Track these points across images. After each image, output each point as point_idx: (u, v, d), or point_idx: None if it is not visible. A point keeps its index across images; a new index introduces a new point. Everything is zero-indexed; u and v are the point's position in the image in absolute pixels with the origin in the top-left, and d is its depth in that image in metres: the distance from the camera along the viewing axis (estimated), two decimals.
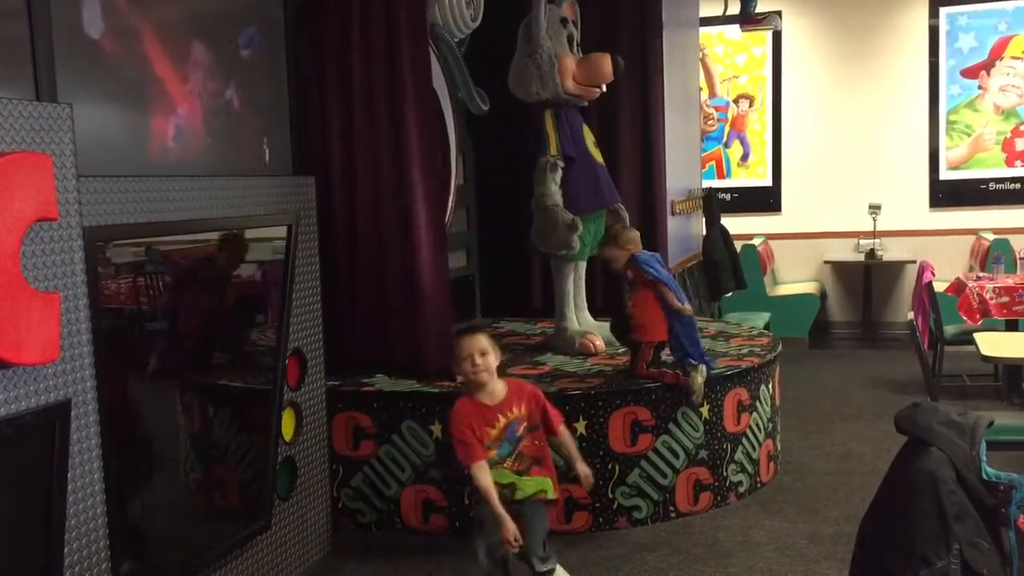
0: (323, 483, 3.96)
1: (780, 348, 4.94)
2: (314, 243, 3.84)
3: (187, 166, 3.41)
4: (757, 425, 4.55)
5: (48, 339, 2.37)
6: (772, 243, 9.05)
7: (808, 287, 8.77)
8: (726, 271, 7.16)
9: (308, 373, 3.79)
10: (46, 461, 2.43)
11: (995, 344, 4.10)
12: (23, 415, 2.33)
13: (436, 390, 4.17)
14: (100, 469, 2.60)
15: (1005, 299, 6.00)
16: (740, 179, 9.33)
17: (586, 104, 5.16)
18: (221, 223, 3.23)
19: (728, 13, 7.36)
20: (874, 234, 8.52)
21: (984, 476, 2.01)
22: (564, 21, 5.05)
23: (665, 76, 6.14)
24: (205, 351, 3.46)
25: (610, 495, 4.11)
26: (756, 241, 8.57)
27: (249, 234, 3.59)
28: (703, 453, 4.27)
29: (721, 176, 9.31)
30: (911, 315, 6.05)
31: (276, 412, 3.55)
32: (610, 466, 4.09)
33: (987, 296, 6.03)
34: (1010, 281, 6.17)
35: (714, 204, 7.40)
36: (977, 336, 4.26)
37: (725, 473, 4.37)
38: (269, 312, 3.64)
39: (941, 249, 8.48)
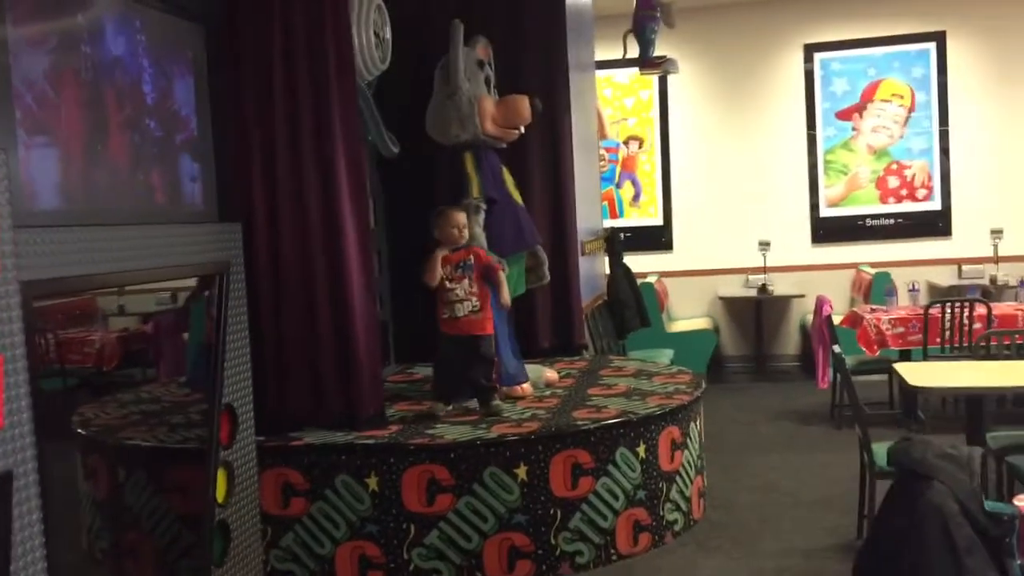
0: (256, 546, 3.73)
1: (704, 385, 5.00)
2: (243, 292, 3.65)
3: (111, 212, 3.19)
4: (688, 462, 4.57)
5: None
6: (665, 280, 9.22)
7: (702, 323, 8.96)
8: (631, 309, 7.24)
9: (239, 429, 3.59)
10: None
11: (916, 374, 4.21)
12: None
13: (371, 441, 4.02)
14: (43, 546, 2.36)
15: (901, 330, 6.27)
16: (632, 218, 9.51)
17: (504, 146, 5.15)
18: (157, 274, 3.03)
19: (627, 56, 7.52)
20: (764, 270, 8.79)
21: (987, 508, 2.04)
22: (480, 63, 5.03)
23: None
24: (135, 411, 3.24)
25: (552, 541, 4.03)
26: (651, 279, 8.71)
27: (177, 284, 3.40)
28: (641, 493, 4.25)
29: (614, 216, 9.46)
30: (833, 348, 6.14)
31: (211, 473, 3.34)
32: (552, 511, 4.02)
33: (884, 327, 6.29)
34: (903, 312, 6.46)
35: (617, 243, 7.49)
36: (898, 367, 4.40)
37: (662, 512, 4.36)
38: (200, 366, 3.43)
39: (824, 283, 8.79)
